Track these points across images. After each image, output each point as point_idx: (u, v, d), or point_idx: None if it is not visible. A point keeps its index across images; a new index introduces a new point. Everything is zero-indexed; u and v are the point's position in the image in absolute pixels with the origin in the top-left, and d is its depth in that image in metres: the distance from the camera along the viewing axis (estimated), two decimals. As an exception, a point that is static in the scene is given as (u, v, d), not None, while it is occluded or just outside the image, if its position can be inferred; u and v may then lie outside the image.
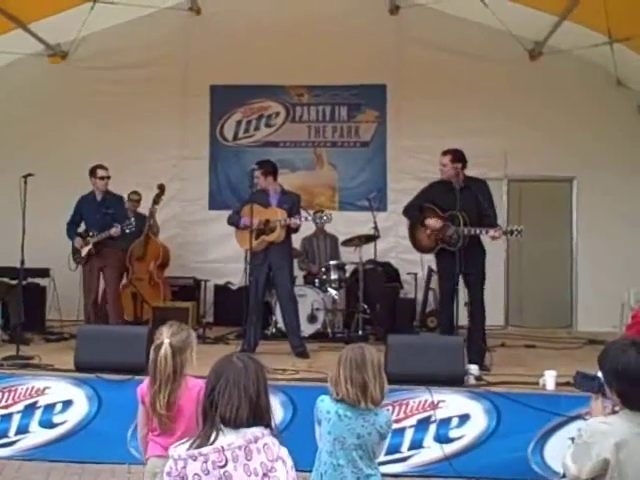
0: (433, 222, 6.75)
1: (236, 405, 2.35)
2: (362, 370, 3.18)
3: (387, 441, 3.36)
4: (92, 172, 7.83)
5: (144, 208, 9.31)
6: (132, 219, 7.58)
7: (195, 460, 2.31)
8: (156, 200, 9.13)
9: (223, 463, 2.30)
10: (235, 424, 2.34)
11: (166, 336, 3.31)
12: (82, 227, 7.95)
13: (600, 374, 2.86)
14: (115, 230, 7.47)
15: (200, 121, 10.56)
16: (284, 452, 2.42)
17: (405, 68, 10.18)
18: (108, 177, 7.85)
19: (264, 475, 2.32)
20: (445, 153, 6.87)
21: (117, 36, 10.27)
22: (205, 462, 2.30)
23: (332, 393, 3.25)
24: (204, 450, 2.32)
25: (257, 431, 2.35)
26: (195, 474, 2.30)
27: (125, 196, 8.66)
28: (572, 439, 2.86)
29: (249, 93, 10.58)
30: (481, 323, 6.74)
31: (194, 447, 2.34)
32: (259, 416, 2.38)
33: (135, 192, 9.39)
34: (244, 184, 8.51)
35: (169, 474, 2.35)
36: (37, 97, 10.19)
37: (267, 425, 2.41)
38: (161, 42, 10.33)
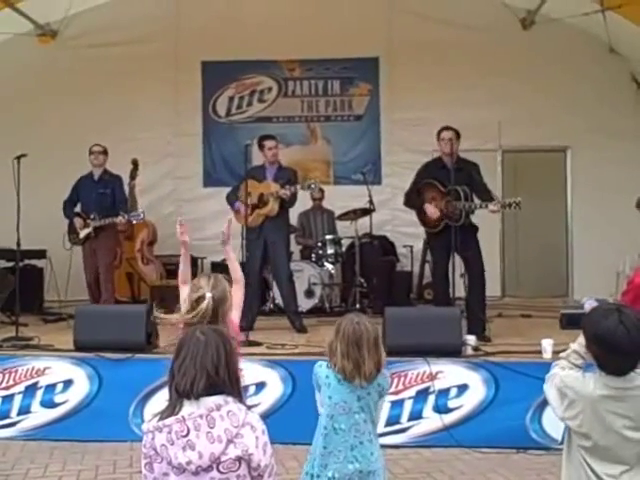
0: (431, 210, 6.79)
1: (191, 377, 2.38)
2: (357, 347, 3.18)
3: (385, 400, 3.39)
4: (89, 151, 7.88)
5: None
6: (141, 211, 7.61)
7: (160, 432, 2.35)
8: (132, 175, 9.10)
9: (185, 433, 2.33)
10: (192, 395, 2.38)
11: (207, 289, 3.36)
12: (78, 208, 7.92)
13: (586, 307, 2.90)
14: (121, 220, 7.52)
15: (192, 98, 10.50)
16: (253, 418, 2.43)
17: (397, 40, 10.11)
18: (101, 152, 7.82)
19: (229, 441, 2.34)
20: (448, 129, 6.86)
21: (106, 13, 10.14)
22: (169, 433, 2.34)
23: (329, 362, 3.28)
24: (167, 421, 2.35)
25: (219, 399, 2.38)
26: (162, 445, 2.34)
27: (122, 176, 8.54)
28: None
29: (241, 69, 10.51)
30: (482, 295, 6.81)
31: (161, 419, 2.38)
32: (218, 388, 2.40)
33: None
34: (238, 160, 8.48)
35: (144, 446, 2.40)
36: (28, 77, 10.08)
37: (231, 394, 2.44)
38: (151, 19, 10.23)
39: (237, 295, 3.73)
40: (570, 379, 2.77)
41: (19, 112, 9.95)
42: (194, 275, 9.44)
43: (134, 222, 7.77)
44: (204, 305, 3.32)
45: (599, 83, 9.74)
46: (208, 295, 3.35)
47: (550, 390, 2.84)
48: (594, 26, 8.83)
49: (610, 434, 2.64)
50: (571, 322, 2.97)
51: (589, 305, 2.93)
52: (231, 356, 2.50)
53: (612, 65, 9.72)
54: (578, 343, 2.88)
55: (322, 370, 3.31)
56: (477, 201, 6.63)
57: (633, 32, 8.49)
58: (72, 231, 7.84)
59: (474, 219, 6.88)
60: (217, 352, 2.45)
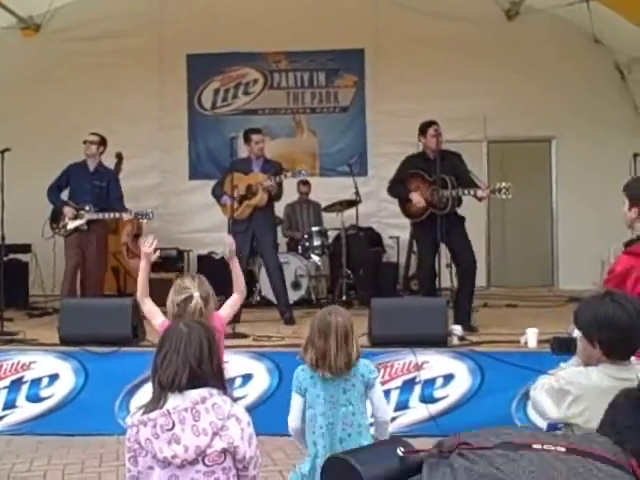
0: (417, 198, 6.73)
1: (174, 370, 2.38)
2: (324, 337, 3.21)
3: (376, 388, 3.38)
4: (84, 141, 7.64)
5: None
6: (150, 210, 7.37)
7: (145, 425, 2.35)
8: (117, 169, 8.96)
9: (170, 426, 2.33)
10: (175, 388, 2.38)
11: (194, 289, 3.37)
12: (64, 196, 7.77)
13: (576, 334, 2.90)
14: (127, 216, 7.35)
15: (177, 91, 10.46)
16: (238, 410, 2.44)
17: (383, 32, 10.11)
18: (93, 142, 7.60)
19: (214, 434, 2.35)
20: (434, 123, 6.73)
21: (90, 7, 10.06)
22: (154, 426, 2.34)
23: (304, 360, 3.29)
24: (152, 415, 2.35)
25: (204, 392, 2.38)
26: (147, 439, 2.34)
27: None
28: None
29: (226, 61, 10.47)
30: (471, 287, 6.81)
31: (146, 413, 2.38)
32: (202, 381, 2.40)
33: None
34: (224, 153, 8.47)
35: (128, 440, 2.40)
36: (11, 71, 10.01)
37: (215, 386, 2.44)
38: (135, 12, 10.16)
39: (235, 302, 3.86)
40: (571, 373, 2.76)
41: (2, 105, 9.88)
42: (180, 271, 9.45)
43: (144, 221, 7.63)
44: (192, 305, 3.33)
45: (584, 73, 9.76)
46: (196, 294, 3.34)
47: (541, 395, 2.81)
48: (578, 16, 8.83)
49: None
50: (562, 347, 2.98)
51: (578, 332, 2.93)
52: (214, 348, 2.49)
53: (597, 55, 9.73)
54: (571, 364, 2.90)
55: (305, 373, 3.32)
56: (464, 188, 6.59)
57: (617, 22, 8.49)
58: (57, 220, 7.48)
59: (460, 210, 6.88)
60: (200, 344, 2.44)
